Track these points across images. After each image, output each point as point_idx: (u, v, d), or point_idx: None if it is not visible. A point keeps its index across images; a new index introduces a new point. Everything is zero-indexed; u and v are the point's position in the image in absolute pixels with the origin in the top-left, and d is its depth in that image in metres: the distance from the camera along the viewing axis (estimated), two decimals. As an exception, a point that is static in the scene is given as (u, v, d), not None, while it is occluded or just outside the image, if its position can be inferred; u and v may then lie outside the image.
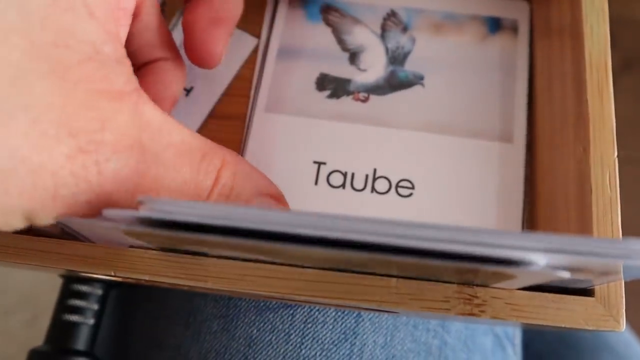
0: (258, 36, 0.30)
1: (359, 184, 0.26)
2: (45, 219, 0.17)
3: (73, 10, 0.16)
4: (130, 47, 0.22)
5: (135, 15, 0.21)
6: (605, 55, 0.22)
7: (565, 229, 0.22)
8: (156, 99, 0.22)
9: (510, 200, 0.25)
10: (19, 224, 0.16)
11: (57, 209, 0.16)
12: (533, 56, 0.28)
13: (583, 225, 0.21)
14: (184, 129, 0.19)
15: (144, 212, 0.15)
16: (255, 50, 0.30)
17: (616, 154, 0.21)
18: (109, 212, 0.15)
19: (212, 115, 0.29)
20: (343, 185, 0.26)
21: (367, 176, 0.26)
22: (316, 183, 0.26)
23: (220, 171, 0.20)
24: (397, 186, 0.26)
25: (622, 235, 0.20)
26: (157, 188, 0.18)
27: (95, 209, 0.17)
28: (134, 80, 0.18)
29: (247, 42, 0.30)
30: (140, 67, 0.23)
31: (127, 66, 0.18)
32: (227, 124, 0.28)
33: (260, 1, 0.30)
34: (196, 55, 0.23)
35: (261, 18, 0.30)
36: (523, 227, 0.25)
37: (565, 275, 0.14)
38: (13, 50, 0.15)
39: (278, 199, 0.23)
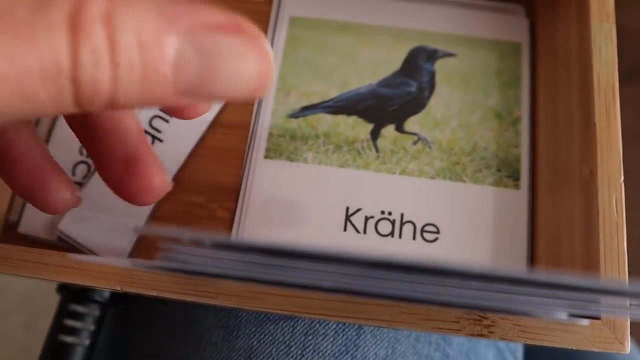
0: (262, 44, 0.30)
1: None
2: None
3: None
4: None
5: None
6: (613, 77, 0.23)
7: (570, 252, 0.22)
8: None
9: (514, 244, 0.25)
10: None
11: None
12: (536, 85, 0.28)
13: (589, 249, 0.21)
14: None
15: (160, 262, 0.15)
16: (259, 58, 0.29)
17: (622, 178, 0.21)
18: (131, 261, 0.15)
19: (216, 123, 0.28)
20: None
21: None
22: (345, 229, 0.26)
23: (76, 18, 0.12)
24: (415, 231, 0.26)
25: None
26: None
27: None
28: None
29: (252, 50, 0.29)
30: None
31: None
32: (232, 132, 0.28)
33: (265, 8, 0.30)
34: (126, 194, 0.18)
35: (266, 25, 0.30)
36: (527, 266, 0.25)
37: (585, 323, 0.14)
38: None
39: (236, 27, 0.13)
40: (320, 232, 0.25)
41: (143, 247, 0.26)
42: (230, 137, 0.28)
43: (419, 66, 0.29)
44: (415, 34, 0.29)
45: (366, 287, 0.14)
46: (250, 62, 0.14)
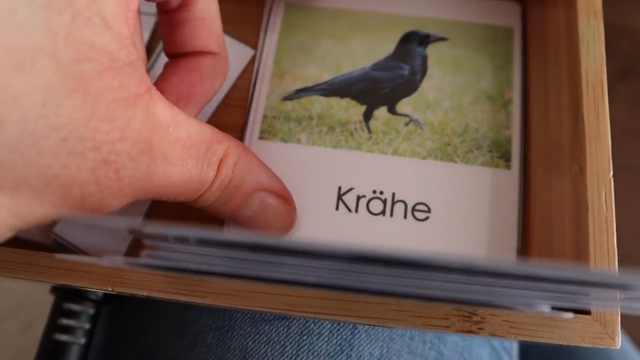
0: (255, 47, 0.30)
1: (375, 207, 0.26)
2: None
3: (91, 23, 0.16)
4: (176, 35, 0.23)
5: (187, 5, 0.22)
6: (602, 72, 0.23)
7: (560, 247, 0.22)
8: (186, 93, 0.23)
9: (505, 223, 0.25)
10: (49, 221, 0.18)
11: (84, 212, 0.18)
12: (527, 73, 0.28)
13: (579, 244, 0.21)
14: (192, 121, 0.20)
15: (145, 260, 0.15)
16: (252, 61, 0.29)
17: (612, 173, 0.21)
18: (114, 259, 0.16)
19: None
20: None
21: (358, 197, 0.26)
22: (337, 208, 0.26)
23: (222, 162, 0.21)
24: (395, 207, 0.26)
25: (617, 248, 0.20)
26: (164, 185, 0.19)
27: (112, 209, 0.18)
28: (145, 79, 0.18)
29: (244, 53, 0.30)
30: (183, 55, 0.24)
31: (139, 67, 0.18)
32: (228, 107, 0.28)
33: (257, 11, 0.30)
34: None
35: (258, 27, 0.30)
36: (518, 245, 0.25)
37: (569, 316, 0.14)
38: (42, 72, 0.15)
39: (281, 196, 0.23)
40: (312, 211, 0.26)
41: (139, 248, 0.26)
42: (228, 116, 0.28)
43: (411, 50, 0.29)
44: (408, 20, 0.30)
45: (349, 281, 0.14)
46: (281, 221, 0.24)
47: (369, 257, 0.13)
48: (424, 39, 0.29)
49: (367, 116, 0.28)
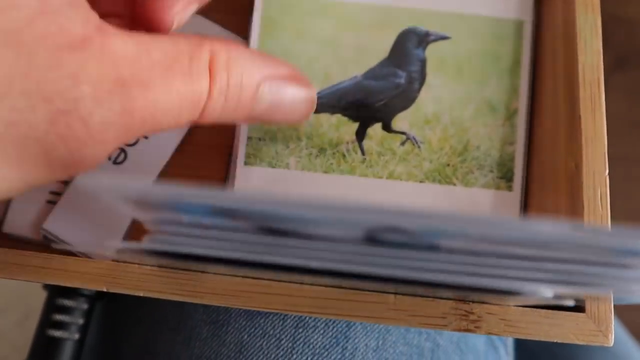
0: (245, 37, 0.29)
1: None
2: (49, 180, 0.17)
3: None
4: None
5: None
6: (599, 70, 0.22)
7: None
8: None
9: None
10: (22, 189, 0.17)
11: (57, 170, 0.17)
12: (535, 75, 0.27)
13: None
14: (162, 38, 0.18)
15: (146, 244, 0.15)
16: (244, 51, 0.29)
17: (607, 171, 0.21)
18: (113, 244, 0.15)
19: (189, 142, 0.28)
20: None
21: None
22: None
23: (212, 65, 0.18)
24: None
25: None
26: (151, 115, 0.17)
27: (93, 160, 0.17)
28: (92, 18, 0.17)
29: (236, 43, 0.29)
30: None
31: (82, 5, 0.16)
32: (214, 126, 0.28)
33: (248, 0, 0.30)
34: (142, 10, 0.20)
35: (247, 18, 0.29)
36: None
37: (570, 303, 0.15)
38: None
39: (292, 77, 0.21)
40: None
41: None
42: (212, 132, 0.28)
43: (408, 53, 0.26)
44: (404, 13, 0.27)
45: (354, 265, 0.14)
46: (301, 105, 0.22)
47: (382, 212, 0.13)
48: (423, 39, 0.26)
49: (361, 135, 0.26)
